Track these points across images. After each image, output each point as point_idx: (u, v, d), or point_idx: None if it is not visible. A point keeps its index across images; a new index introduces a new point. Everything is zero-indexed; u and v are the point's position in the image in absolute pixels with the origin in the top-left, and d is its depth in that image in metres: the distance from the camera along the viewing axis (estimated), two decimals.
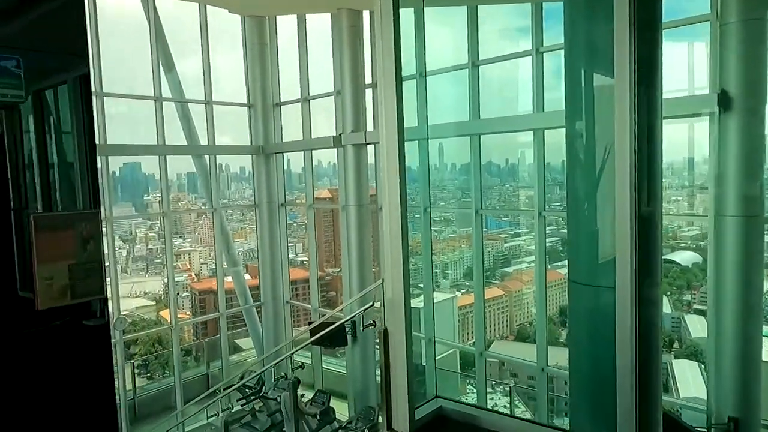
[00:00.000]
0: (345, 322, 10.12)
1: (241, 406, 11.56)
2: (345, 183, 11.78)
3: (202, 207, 30.56)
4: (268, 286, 12.73)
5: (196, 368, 14.61)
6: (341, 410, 11.74)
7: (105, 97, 11.90)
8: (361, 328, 8.02)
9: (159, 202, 38.34)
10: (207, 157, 12.87)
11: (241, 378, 11.84)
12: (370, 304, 7.21)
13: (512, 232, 37.31)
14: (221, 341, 12.29)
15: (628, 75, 3.69)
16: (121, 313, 35.57)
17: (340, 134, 12.27)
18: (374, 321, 8.22)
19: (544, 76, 10.14)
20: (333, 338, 10.78)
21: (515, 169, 37.81)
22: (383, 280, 4.76)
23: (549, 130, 10.00)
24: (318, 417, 10.27)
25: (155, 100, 12.11)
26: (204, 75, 13.13)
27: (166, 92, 12.78)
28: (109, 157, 12.46)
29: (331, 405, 10.64)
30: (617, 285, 3.78)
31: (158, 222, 33.81)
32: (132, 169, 35.48)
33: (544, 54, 10.17)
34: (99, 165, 10.99)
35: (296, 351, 12.52)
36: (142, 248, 34.80)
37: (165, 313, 33.23)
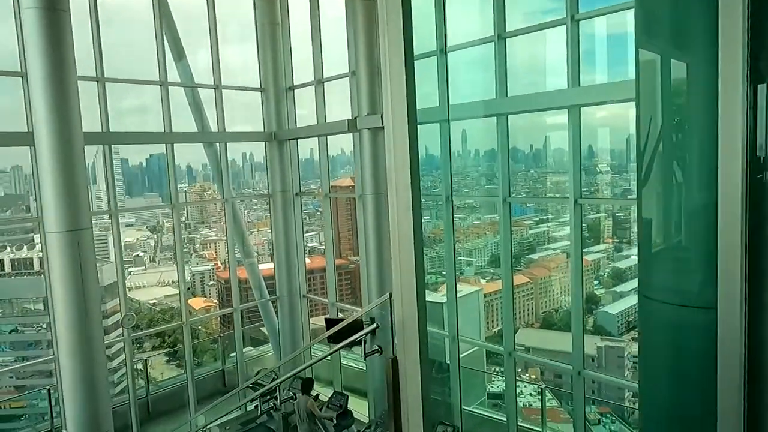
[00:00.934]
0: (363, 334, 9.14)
1: (254, 407, 10.69)
2: (361, 170, 10.72)
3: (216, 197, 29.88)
4: (283, 279, 11.81)
5: (214, 363, 13.83)
6: (361, 408, 10.77)
7: (110, 86, 11.01)
8: (363, 357, 6.95)
9: (185, 192, 37.81)
10: (218, 145, 11.95)
11: (255, 379, 10.97)
12: (375, 325, 6.18)
13: (537, 219, 35.90)
14: (235, 337, 11.41)
15: (741, 53, 2.59)
16: (150, 301, 35.06)
17: (355, 118, 11.19)
18: (380, 347, 7.19)
19: (580, 46, 8.87)
20: (349, 336, 9.78)
21: (540, 155, 36.37)
22: (391, 295, 3.76)
23: (586, 107, 8.75)
24: (334, 420, 9.31)
25: (161, 85, 11.20)
26: (212, 59, 12.15)
27: (176, 81, 11.88)
28: (137, 149, 11.57)
29: (349, 407, 9.67)
30: (720, 307, 2.69)
31: (184, 212, 33.23)
32: (158, 159, 34.97)
33: (580, 22, 8.88)
34: (101, 155, 10.11)
35: (309, 365, 11.59)
36: (169, 238, 34.36)
37: (193, 302, 32.84)
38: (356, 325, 9.87)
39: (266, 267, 15.57)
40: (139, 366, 27.80)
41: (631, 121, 3.48)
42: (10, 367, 10.94)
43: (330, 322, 10.06)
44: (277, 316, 12.00)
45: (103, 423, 7.35)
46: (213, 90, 11.88)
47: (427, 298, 13.69)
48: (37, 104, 9.15)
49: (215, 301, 27.28)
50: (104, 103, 10.47)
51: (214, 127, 12.01)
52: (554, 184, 36.26)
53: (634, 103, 3.41)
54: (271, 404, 10.91)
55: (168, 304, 33.46)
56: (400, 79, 3.62)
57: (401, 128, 3.51)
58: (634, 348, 31.60)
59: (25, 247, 27.38)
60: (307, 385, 9.01)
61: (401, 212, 3.56)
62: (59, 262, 7.09)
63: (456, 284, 9.56)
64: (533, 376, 29.91)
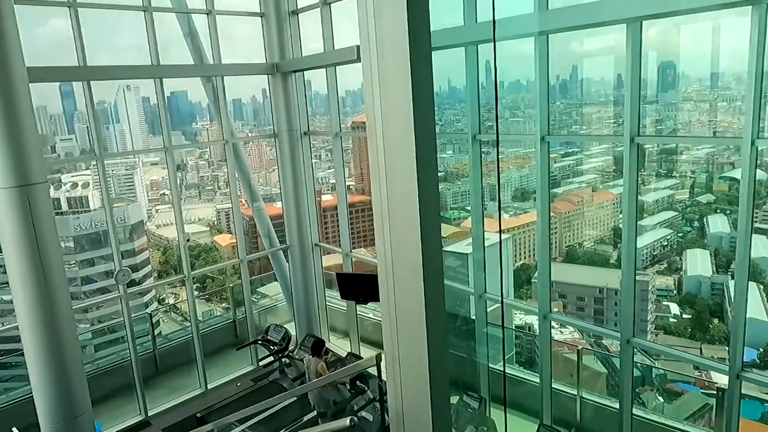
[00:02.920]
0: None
1: (261, 365, 9.49)
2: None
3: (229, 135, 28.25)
4: (293, 227, 10.34)
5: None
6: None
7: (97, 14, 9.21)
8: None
9: (207, 130, 36.00)
10: (215, 79, 10.17)
11: (266, 332, 9.69)
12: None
13: (562, 152, 33.60)
14: (243, 289, 10.07)
15: None
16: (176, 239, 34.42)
17: None
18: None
19: None
20: (365, 292, 8.33)
21: (566, 86, 33.61)
22: (380, 358, 2.20)
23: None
24: (348, 386, 8.01)
25: (144, 11, 9.38)
26: None
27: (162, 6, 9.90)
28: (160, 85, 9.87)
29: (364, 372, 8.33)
30: None
31: (207, 150, 31.62)
32: (178, 98, 33.24)
33: None
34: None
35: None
36: (194, 176, 33.12)
37: (219, 238, 31.98)
38: (369, 280, 8.36)
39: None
40: (171, 300, 27.03)
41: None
42: None
43: (342, 279, 8.60)
44: (289, 265, 10.65)
45: (78, 404, 6.17)
46: (206, 16, 9.99)
47: (449, 248, 12.19)
48: None
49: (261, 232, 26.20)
50: (78, 31, 8.72)
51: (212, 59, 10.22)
52: (580, 117, 33.69)
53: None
54: (284, 362, 9.70)
55: (195, 240, 32.69)
56: None
57: (398, 57, 1.92)
58: (658, 281, 29.99)
59: (51, 187, 26.51)
60: (317, 347, 7.68)
61: (397, 198, 2.00)
62: (9, 223, 5.72)
63: (483, 235, 7.92)
64: (556, 310, 28.71)
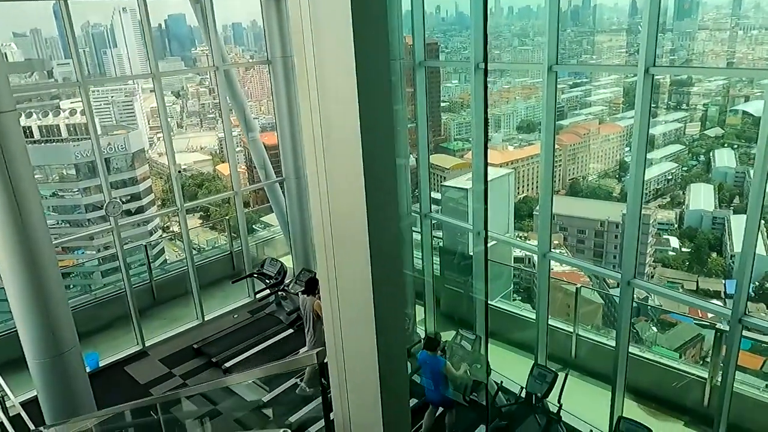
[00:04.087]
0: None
1: (257, 297, 9.32)
2: None
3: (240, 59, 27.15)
4: (289, 158, 9.88)
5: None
6: None
7: None
8: None
9: (206, 55, 34.89)
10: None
11: (262, 265, 9.48)
12: None
13: (570, 83, 32.41)
14: (238, 222, 9.78)
15: None
16: (181, 167, 34.00)
17: None
18: None
19: None
20: None
21: (578, 13, 31.89)
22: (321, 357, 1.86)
23: None
24: None
25: None
26: None
27: None
28: (153, 8, 9.15)
29: None
30: None
31: (207, 76, 30.66)
32: (177, 21, 31.85)
33: None
34: None
35: None
36: (194, 103, 32.29)
37: (222, 167, 31.53)
38: None
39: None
40: (175, 229, 26.91)
41: None
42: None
43: None
44: (285, 198, 10.30)
45: (64, 341, 5.95)
46: None
47: (449, 183, 11.80)
48: None
49: (243, 167, 25.72)
50: None
51: None
52: (591, 46, 32.20)
53: None
54: (281, 295, 9.56)
55: (198, 169, 32.29)
56: None
57: None
58: (660, 215, 29.67)
59: (50, 113, 25.83)
60: (311, 284, 7.44)
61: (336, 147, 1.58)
62: None
63: (486, 170, 7.50)
64: (556, 242, 28.67)
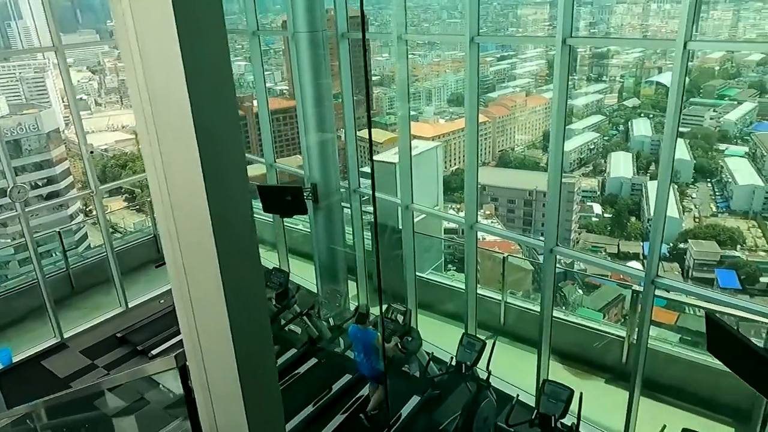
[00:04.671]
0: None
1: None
2: None
3: None
4: None
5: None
6: (307, 274, 9.15)
7: None
8: None
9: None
10: None
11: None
12: None
13: (498, 56, 32.87)
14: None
15: None
16: (101, 147, 32.19)
17: None
18: None
19: None
20: (289, 205, 7.82)
21: None
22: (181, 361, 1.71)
23: None
24: (274, 301, 7.68)
25: None
26: None
27: None
28: None
29: (290, 285, 8.00)
30: None
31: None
32: None
33: None
34: None
35: None
36: (113, 79, 30.44)
37: None
38: (293, 192, 7.83)
39: None
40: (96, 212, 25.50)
41: None
42: None
43: (264, 192, 8.01)
44: None
45: None
46: None
47: (378, 158, 11.69)
48: None
49: None
50: None
51: None
52: (517, 18, 32.69)
53: None
54: None
55: (120, 149, 30.61)
56: None
57: None
58: (584, 183, 30.92)
59: None
60: None
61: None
62: None
63: (410, 140, 7.43)
64: (488, 212, 29.37)
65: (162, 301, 9.29)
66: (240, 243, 1.54)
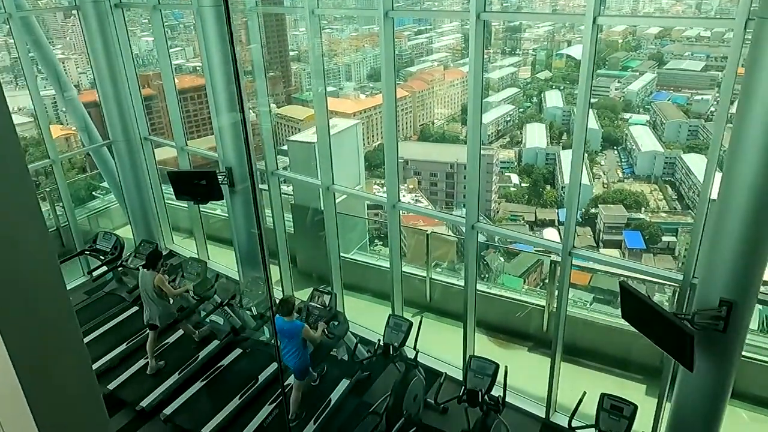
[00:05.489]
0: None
1: (89, 275, 8.27)
2: None
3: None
4: (114, 119, 8.61)
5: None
6: (227, 260, 8.72)
7: None
8: None
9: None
10: None
11: (94, 241, 8.36)
12: None
13: (415, 29, 32.78)
14: (61, 194, 8.48)
15: None
16: None
17: None
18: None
19: None
20: (202, 191, 7.34)
21: None
22: None
23: None
24: (192, 292, 7.25)
25: None
26: None
27: None
28: None
29: (209, 275, 7.57)
30: None
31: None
32: None
33: None
34: None
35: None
36: (4, 57, 27.77)
37: (51, 129, 27.78)
38: (207, 177, 7.38)
39: None
40: None
41: None
42: None
43: (175, 178, 7.47)
44: (116, 164, 9.10)
45: None
46: None
47: (296, 137, 11.28)
48: None
49: (74, 128, 22.78)
50: None
51: None
52: None
53: None
54: (120, 271, 8.58)
55: (20, 134, 28.08)
56: None
57: None
58: (502, 154, 31.68)
59: None
60: (152, 260, 6.69)
61: None
62: None
63: (327, 115, 7.15)
64: (411, 186, 29.57)
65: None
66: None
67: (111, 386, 6.73)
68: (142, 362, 7.15)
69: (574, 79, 32.76)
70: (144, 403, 6.48)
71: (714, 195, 4.76)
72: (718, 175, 4.64)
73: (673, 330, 4.48)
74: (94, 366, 7.07)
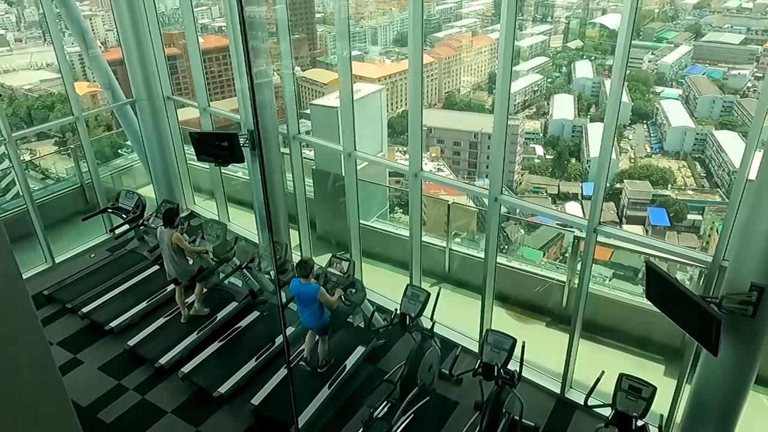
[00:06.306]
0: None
1: (111, 233, 8.33)
2: None
3: None
4: (138, 78, 8.52)
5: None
6: (247, 223, 8.69)
7: None
8: None
9: None
10: None
11: (117, 199, 8.41)
12: None
13: None
14: (85, 152, 8.50)
15: None
16: (24, 87, 29.54)
17: None
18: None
19: None
20: (224, 153, 7.27)
21: None
22: None
23: None
24: (212, 254, 7.25)
25: None
26: None
27: None
28: None
29: (228, 238, 7.56)
30: None
31: None
32: None
33: None
34: None
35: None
36: (33, 12, 27.80)
37: (78, 87, 27.97)
38: (228, 139, 7.29)
39: None
40: (27, 157, 23.87)
41: None
42: None
43: (197, 139, 7.40)
44: (139, 122, 9.07)
45: None
46: None
47: (319, 101, 11.09)
48: None
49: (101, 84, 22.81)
50: None
51: None
52: None
53: None
54: (142, 229, 8.64)
55: (47, 90, 28.31)
56: None
57: None
58: (527, 125, 31.03)
59: None
60: (169, 217, 6.69)
61: None
62: None
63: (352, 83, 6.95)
64: (434, 155, 29.22)
65: (92, 255, 8.69)
66: None
67: (131, 342, 6.83)
68: (161, 321, 7.23)
69: (606, 50, 31.64)
70: (163, 361, 6.56)
71: (752, 175, 4.52)
72: (758, 155, 4.38)
73: (699, 313, 4.31)
74: (115, 323, 7.21)
